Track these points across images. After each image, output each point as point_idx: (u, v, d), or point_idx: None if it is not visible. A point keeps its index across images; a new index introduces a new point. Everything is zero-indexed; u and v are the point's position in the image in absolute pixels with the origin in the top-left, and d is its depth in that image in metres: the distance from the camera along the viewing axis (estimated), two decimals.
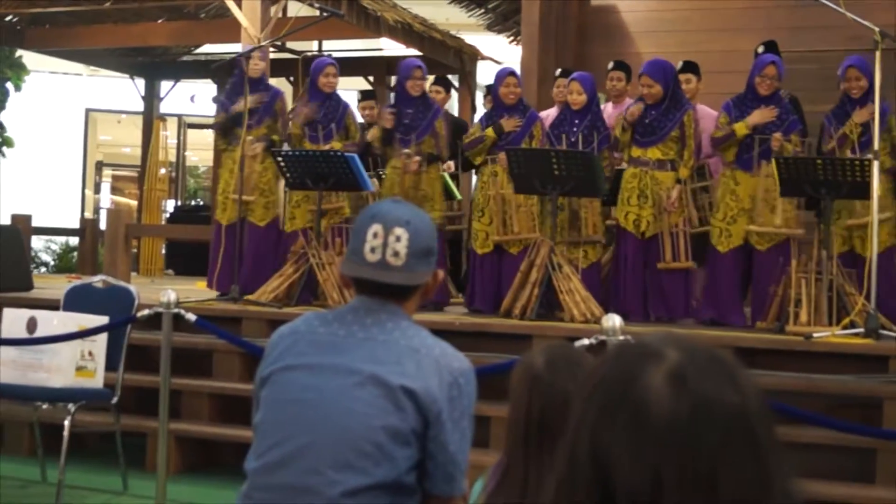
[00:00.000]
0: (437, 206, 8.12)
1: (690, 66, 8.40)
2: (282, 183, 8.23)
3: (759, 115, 7.23)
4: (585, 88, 7.75)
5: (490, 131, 7.80)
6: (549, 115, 8.56)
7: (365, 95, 10.28)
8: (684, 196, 7.48)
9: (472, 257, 7.95)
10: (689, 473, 1.20)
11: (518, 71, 8.63)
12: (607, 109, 8.43)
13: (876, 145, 6.43)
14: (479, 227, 7.84)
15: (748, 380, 1.28)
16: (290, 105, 8.82)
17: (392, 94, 8.63)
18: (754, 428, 1.25)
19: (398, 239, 2.71)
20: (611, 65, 8.82)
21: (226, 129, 8.32)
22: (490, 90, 8.65)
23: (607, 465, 1.22)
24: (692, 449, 1.21)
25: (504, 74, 8.04)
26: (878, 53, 6.42)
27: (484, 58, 13.82)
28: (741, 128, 7.23)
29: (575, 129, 7.75)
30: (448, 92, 9.68)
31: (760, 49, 8.10)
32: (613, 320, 4.73)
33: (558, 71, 9.29)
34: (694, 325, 7.27)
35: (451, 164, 8.16)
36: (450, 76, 13.81)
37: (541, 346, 2.68)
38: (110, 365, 6.04)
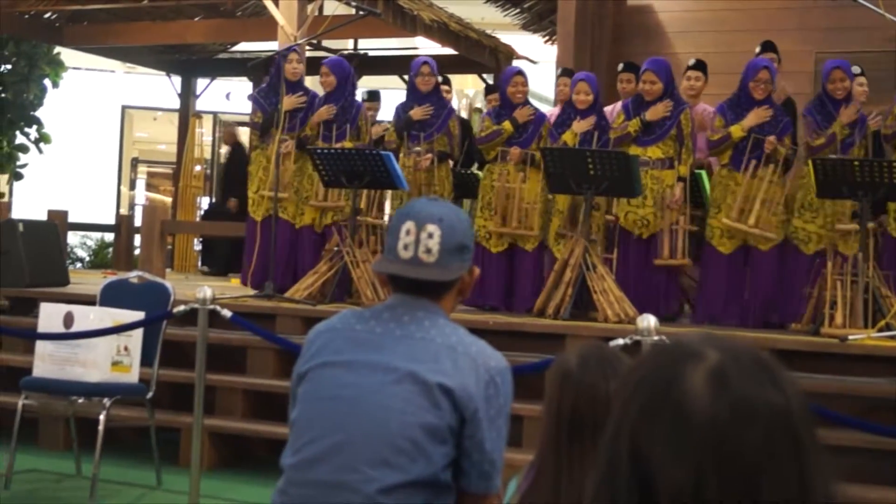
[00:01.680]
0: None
1: (701, 65, 8.42)
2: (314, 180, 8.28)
3: (755, 117, 7.26)
4: (592, 89, 7.77)
5: (507, 124, 7.83)
6: (553, 113, 8.59)
7: (371, 96, 10.33)
8: (685, 194, 7.51)
9: (482, 255, 7.90)
10: (731, 474, 1.20)
11: (552, 71, 8.67)
12: (616, 109, 8.44)
13: None
14: (490, 225, 7.88)
15: (790, 380, 1.28)
16: None
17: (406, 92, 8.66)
18: (796, 428, 1.24)
19: (430, 235, 2.72)
20: (620, 66, 8.87)
21: (265, 129, 8.37)
22: (496, 89, 8.68)
23: (648, 465, 1.22)
24: (734, 449, 1.20)
25: (512, 74, 8.13)
26: None
27: (519, 57, 13.81)
28: (737, 130, 7.25)
29: None
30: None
31: (757, 49, 8.13)
32: (648, 321, 4.72)
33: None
34: (729, 327, 7.24)
35: (430, 156, 8.17)
36: (485, 75, 13.85)
37: (575, 345, 2.68)
38: (145, 360, 6.09)
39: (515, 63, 13.80)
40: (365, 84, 12.60)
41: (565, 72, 9.07)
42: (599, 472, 1.28)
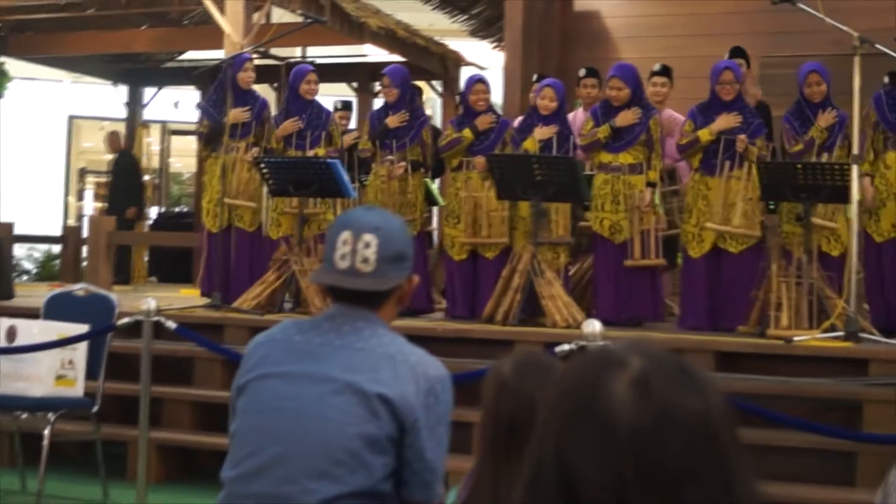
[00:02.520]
0: (420, 212, 8.14)
1: (666, 70, 8.46)
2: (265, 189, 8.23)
3: (724, 122, 7.26)
4: (558, 95, 7.79)
5: (467, 132, 7.82)
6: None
7: (344, 106, 10.32)
8: (656, 200, 7.51)
9: (448, 265, 7.95)
10: (654, 479, 1.21)
11: (500, 77, 8.67)
12: (579, 116, 8.46)
13: (855, 149, 6.46)
14: (455, 233, 7.86)
15: (712, 386, 1.29)
16: (273, 111, 8.82)
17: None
18: (718, 433, 1.26)
19: (367, 245, 2.71)
20: (583, 72, 8.88)
21: (211, 138, 8.32)
22: (462, 97, 8.67)
23: (572, 471, 1.23)
24: (656, 455, 1.22)
25: (473, 81, 8.11)
26: (857, 58, 6.46)
27: (467, 63, 13.83)
28: (705, 134, 7.26)
29: None
30: None
31: (726, 55, 8.17)
32: (593, 325, 4.74)
33: (535, 77, 9.31)
34: (673, 329, 7.27)
35: (403, 164, 8.15)
36: (434, 82, 13.86)
37: (510, 353, 2.68)
38: (91, 373, 6.03)
39: (466, 70, 13.85)
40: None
41: (541, 79, 9.03)
42: (526, 477, 1.30)
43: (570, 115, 8.35)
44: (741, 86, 7.45)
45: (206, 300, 7.88)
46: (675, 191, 8.08)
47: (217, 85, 8.50)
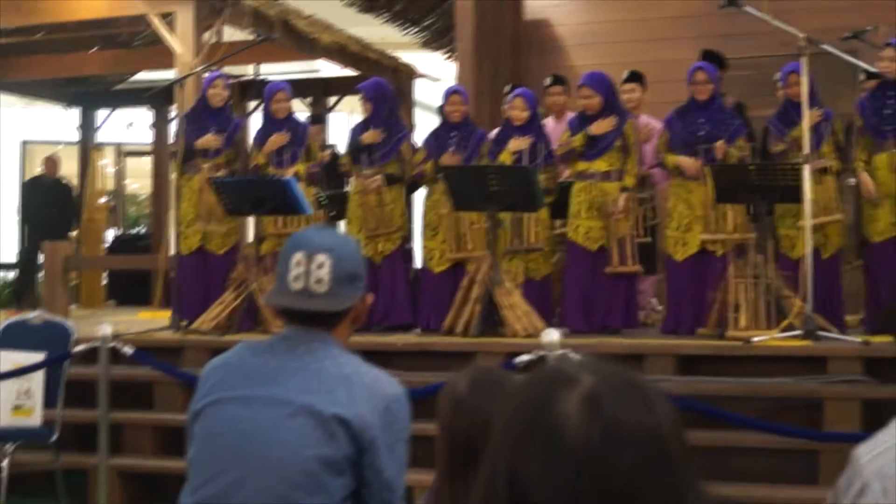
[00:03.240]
0: (399, 227, 8.09)
1: (636, 76, 8.47)
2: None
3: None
4: (528, 104, 7.79)
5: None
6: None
7: (316, 120, 10.31)
8: (631, 204, 7.50)
9: (426, 277, 7.92)
10: (606, 495, 1.22)
11: (456, 84, 8.67)
12: (549, 124, 8.45)
13: (805, 149, 6.50)
14: (433, 245, 7.85)
15: (662, 401, 1.31)
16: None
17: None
18: (668, 448, 1.27)
19: (321, 266, 2.70)
20: (548, 80, 8.86)
21: (185, 158, 8.23)
22: (440, 109, 8.64)
23: (524, 487, 1.24)
24: (607, 471, 1.22)
25: (448, 93, 8.13)
26: (804, 59, 6.51)
27: (420, 75, 13.85)
28: (670, 161, 7.29)
29: None
30: None
31: (699, 59, 8.19)
32: (551, 335, 4.74)
33: (507, 87, 9.31)
34: (642, 335, 7.27)
35: (378, 178, 8.10)
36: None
37: (465, 369, 2.68)
38: (49, 402, 5.97)
39: (420, 82, 13.88)
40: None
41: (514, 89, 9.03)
42: (479, 493, 1.31)
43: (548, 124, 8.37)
44: (715, 87, 7.45)
45: (163, 323, 7.82)
46: (648, 198, 8.07)
47: (196, 104, 8.43)
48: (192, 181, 8.18)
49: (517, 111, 7.79)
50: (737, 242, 7.01)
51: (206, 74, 8.54)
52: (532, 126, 7.81)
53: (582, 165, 7.53)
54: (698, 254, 7.26)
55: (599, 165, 7.49)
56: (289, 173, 8.03)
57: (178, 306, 7.88)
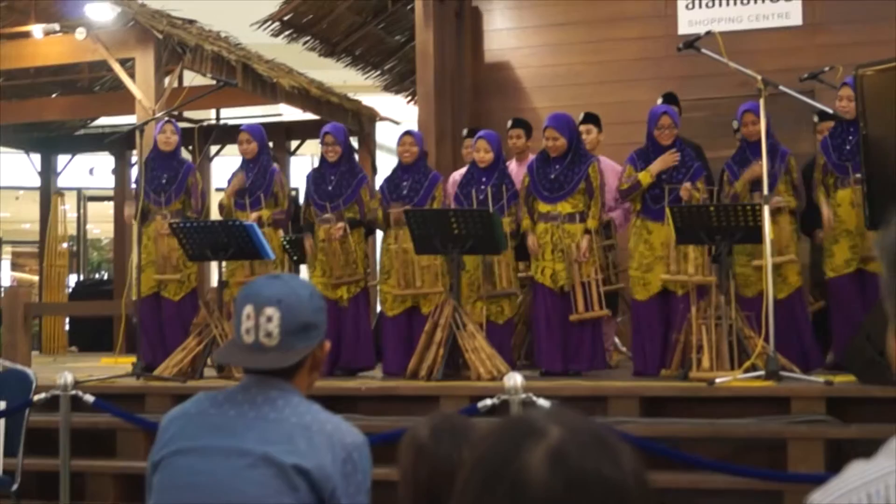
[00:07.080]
0: (363, 271, 8.07)
1: (591, 118, 8.53)
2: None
3: (662, 162, 7.34)
4: (492, 146, 7.81)
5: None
6: (460, 174, 8.53)
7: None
8: (594, 246, 7.52)
9: (384, 322, 7.91)
10: None
11: (416, 130, 8.68)
12: (511, 167, 8.47)
13: (765, 190, 6.56)
14: (387, 289, 7.84)
15: (629, 455, 1.31)
16: (199, 178, 8.73)
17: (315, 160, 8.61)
18: (633, 501, 1.26)
19: (269, 319, 2.68)
20: (510, 123, 8.90)
21: (144, 213, 8.18)
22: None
23: None
24: None
25: (401, 135, 8.11)
26: (762, 100, 6.59)
27: (382, 118, 13.90)
28: (645, 176, 7.33)
29: (483, 187, 7.79)
30: None
31: (660, 101, 8.27)
32: (515, 379, 4.73)
33: (465, 131, 9.34)
34: (607, 377, 7.27)
35: (342, 225, 8.09)
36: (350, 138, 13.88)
37: (426, 416, 2.67)
38: (10, 450, 5.88)
39: (381, 125, 13.92)
40: (229, 152, 12.54)
41: (471, 132, 9.05)
42: None
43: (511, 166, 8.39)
44: (678, 130, 7.52)
45: (126, 369, 7.76)
46: (611, 245, 8.09)
47: (151, 150, 8.41)
48: (149, 228, 8.19)
49: (481, 153, 7.81)
50: (698, 283, 7.03)
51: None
52: (496, 167, 7.84)
53: (545, 207, 7.55)
54: (661, 294, 7.29)
55: (563, 207, 7.51)
56: (252, 217, 8.01)
57: (140, 352, 7.84)
